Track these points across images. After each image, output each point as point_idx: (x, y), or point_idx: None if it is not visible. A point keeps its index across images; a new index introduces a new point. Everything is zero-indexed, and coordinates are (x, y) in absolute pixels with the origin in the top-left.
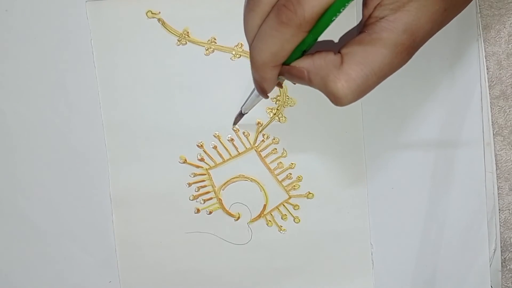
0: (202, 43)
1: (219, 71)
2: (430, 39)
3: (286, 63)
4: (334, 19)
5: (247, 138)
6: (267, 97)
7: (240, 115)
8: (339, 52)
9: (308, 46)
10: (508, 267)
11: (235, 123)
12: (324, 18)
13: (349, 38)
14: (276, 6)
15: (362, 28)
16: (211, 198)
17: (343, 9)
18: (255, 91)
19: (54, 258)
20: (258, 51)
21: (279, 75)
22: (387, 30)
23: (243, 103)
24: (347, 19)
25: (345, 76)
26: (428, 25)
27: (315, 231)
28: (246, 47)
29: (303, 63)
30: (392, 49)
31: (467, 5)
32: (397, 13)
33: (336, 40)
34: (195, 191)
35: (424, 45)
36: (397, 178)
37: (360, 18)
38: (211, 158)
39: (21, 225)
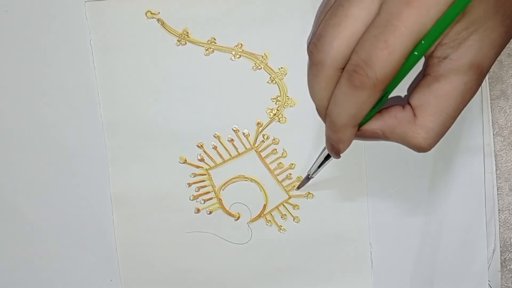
0: (202, 43)
1: (219, 71)
2: None
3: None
4: (407, 74)
5: (247, 138)
6: (339, 157)
7: (307, 179)
8: (408, 103)
9: (382, 104)
10: (508, 267)
11: (299, 187)
12: (398, 75)
13: (415, 83)
14: (345, 72)
15: (425, 69)
16: (211, 198)
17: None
18: (323, 153)
19: (55, 257)
20: (336, 115)
21: None
22: (453, 71)
23: (310, 167)
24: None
25: (424, 129)
26: (491, 52)
27: (315, 230)
28: (246, 47)
29: (375, 125)
30: (462, 89)
31: None
32: (460, 50)
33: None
34: (195, 191)
35: None
36: (397, 178)
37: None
38: (211, 159)
39: (21, 225)
